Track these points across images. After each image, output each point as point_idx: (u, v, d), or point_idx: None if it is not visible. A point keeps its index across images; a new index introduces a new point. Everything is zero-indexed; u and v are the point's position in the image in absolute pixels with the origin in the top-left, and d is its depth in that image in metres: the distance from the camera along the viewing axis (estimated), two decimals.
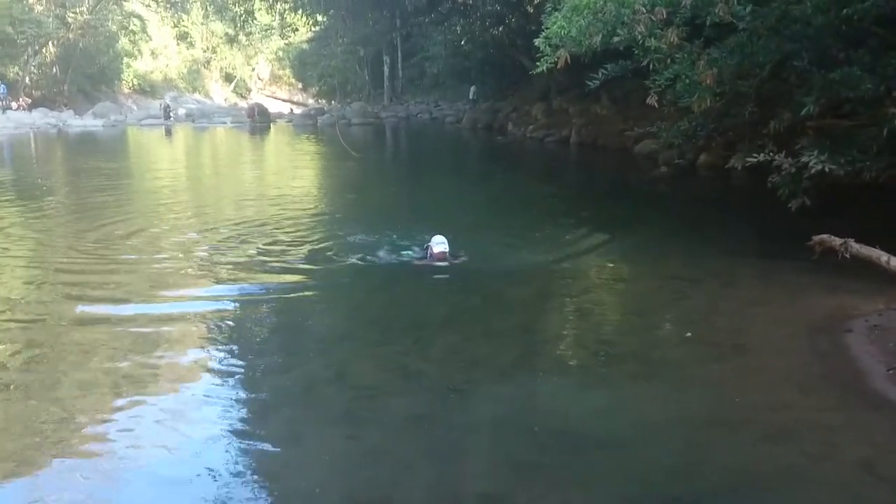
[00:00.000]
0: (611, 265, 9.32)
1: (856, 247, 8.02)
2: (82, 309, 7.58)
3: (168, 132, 40.92)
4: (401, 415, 5.33)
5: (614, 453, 4.77)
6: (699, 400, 5.44)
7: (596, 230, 11.32)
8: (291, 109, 56.79)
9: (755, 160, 9.47)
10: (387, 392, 5.75)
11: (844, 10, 8.69)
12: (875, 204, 10.36)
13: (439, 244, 8.94)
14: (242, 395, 5.72)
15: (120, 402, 5.49)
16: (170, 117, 46.86)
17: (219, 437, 4.97)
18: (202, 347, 6.70)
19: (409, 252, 9.51)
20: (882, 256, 7.73)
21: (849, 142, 9.44)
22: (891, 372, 5.48)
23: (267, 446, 4.98)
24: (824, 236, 8.36)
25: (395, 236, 10.57)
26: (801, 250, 8.47)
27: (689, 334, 6.67)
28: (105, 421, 5.20)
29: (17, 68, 48.53)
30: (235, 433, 5.06)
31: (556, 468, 4.60)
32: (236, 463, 4.69)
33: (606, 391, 5.72)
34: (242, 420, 5.29)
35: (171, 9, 61.86)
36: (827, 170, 8.92)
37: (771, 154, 9.35)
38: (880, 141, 9.04)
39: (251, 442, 4.99)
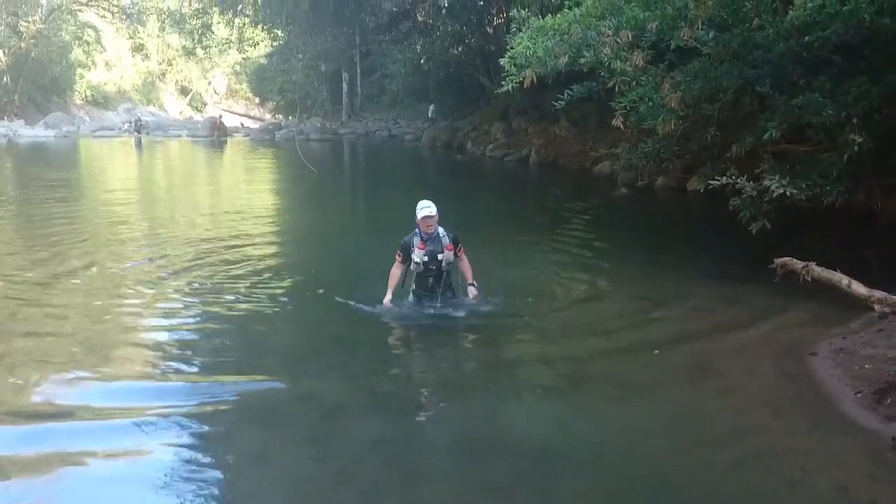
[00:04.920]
0: (576, 286, 9.30)
1: (817, 270, 8.10)
2: None
3: (138, 145, 39.80)
4: (368, 436, 5.22)
5: (586, 475, 4.72)
6: (671, 422, 5.42)
7: (560, 250, 11.35)
8: (242, 123, 56.31)
9: (717, 183, 9.57)
10: (353, 413, 5.64)
11: (805, 38, 8.84)
12: (834, 228, 10.54)
13: (424, 208, 7.68)
14: (205, 417, 5.53)
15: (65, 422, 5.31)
16: (140, 131, 45.01)
17: (182, 460, 4.81)
18: (163, 367, 6.53)
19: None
20: (843, 280, 7.82)
21: (809, 167, 9.59)
22: (858, 395, 5.51)
23: (232, 469, 4.84)
24: (786, 259, 8.44)
25: (363, 258, 10.41)
26: (762, 273, 8.54)
27: (656, 351, 6.68)
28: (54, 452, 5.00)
29: None
30: (199, 456, 4.91)
31: (527, 490, 4.53)
32: (200, 487, 4.53)
33: (577, 413, 5.67)
34: (206, 443, 5.12)
35: (126, 20, 61.05)
36: (788, 194, 9.05)
37: (733, 177, 9.45)
38: (840, 166, 9.21)
39: (215, 465, 4.85)
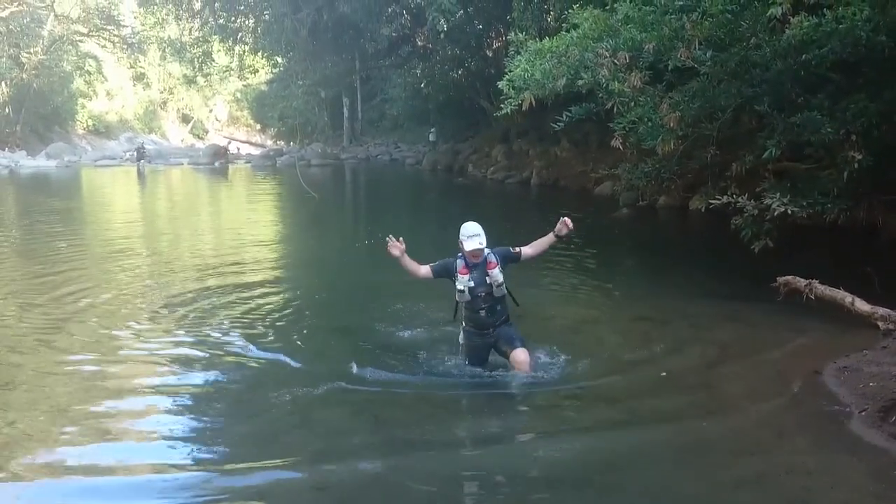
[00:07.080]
0: (579, 307, 9.30)
1: (820, 288, 8.08)
2: None
3: (140, 174, 39.35)
4: (371, 465, 5.15)
5: (589, 498, 4.66)
6: (675, 444, 5.37)
7: (563, 272, 11.31)
8: (238, 149, 56.72)
9: (719, 202, 9.58)
10: (356, 441, 5.55)
11: (803, 56, 8.86)
12: (836, 245, 10.52)
13: (472, 238, 6.51)
14: (203, 445, 5.50)
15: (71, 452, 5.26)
16: (142, 158, 43.75)
17: (179, 492, 4.74)
18: (157, 393, 6.52)
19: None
20: (846, 297, 7.80)
21: (810, 184, 9.60)
22: (863, 413, 5.47)
23: (232, 498, 4.77)
24: (789, 277, 8.43)
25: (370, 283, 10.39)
26: (765, 291, 8.52)
27: (664, 374, 6.64)
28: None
29: None
30: (197, 487, 4.83)
31: None
32: None
33: (581, 436, 5.62)
34: (204, 473, 5.03)
35: (127, 50, 61.42)
36: (789, 212, 9.05)
37: (733, 196, 9.46)
38: (840, 184, 9.21)
39: (214, 497, 4.77)
